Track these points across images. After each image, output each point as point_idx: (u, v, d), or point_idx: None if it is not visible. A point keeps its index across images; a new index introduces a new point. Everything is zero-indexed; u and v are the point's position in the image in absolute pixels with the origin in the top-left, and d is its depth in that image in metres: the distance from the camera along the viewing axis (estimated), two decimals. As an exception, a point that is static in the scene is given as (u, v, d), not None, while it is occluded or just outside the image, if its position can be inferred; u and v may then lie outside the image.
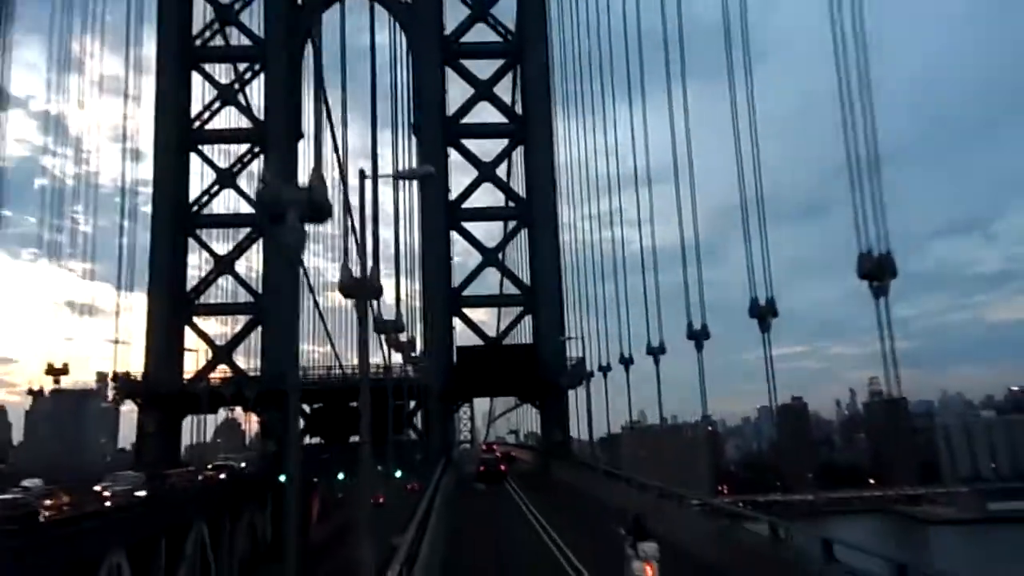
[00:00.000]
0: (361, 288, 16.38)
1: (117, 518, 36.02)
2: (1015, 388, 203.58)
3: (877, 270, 15.85)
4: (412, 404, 67.32)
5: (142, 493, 39.84)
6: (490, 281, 73.32)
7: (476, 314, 71.68)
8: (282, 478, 62.24)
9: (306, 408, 70.52)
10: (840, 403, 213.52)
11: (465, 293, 70.19)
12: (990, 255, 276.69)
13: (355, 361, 70.86)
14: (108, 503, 36.40)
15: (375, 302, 36.96)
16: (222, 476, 55.49)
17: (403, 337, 52.51)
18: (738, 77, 24.71)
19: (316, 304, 76.64)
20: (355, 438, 65.68)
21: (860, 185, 16.77)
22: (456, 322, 69.89)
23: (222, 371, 70.43)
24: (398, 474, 62.70)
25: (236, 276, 71.55)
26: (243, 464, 64.99)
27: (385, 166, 68.27)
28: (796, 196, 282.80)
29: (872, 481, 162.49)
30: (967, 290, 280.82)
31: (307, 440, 71.06)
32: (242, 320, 71.58)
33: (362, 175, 18.59)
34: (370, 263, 17.98)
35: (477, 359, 65.24)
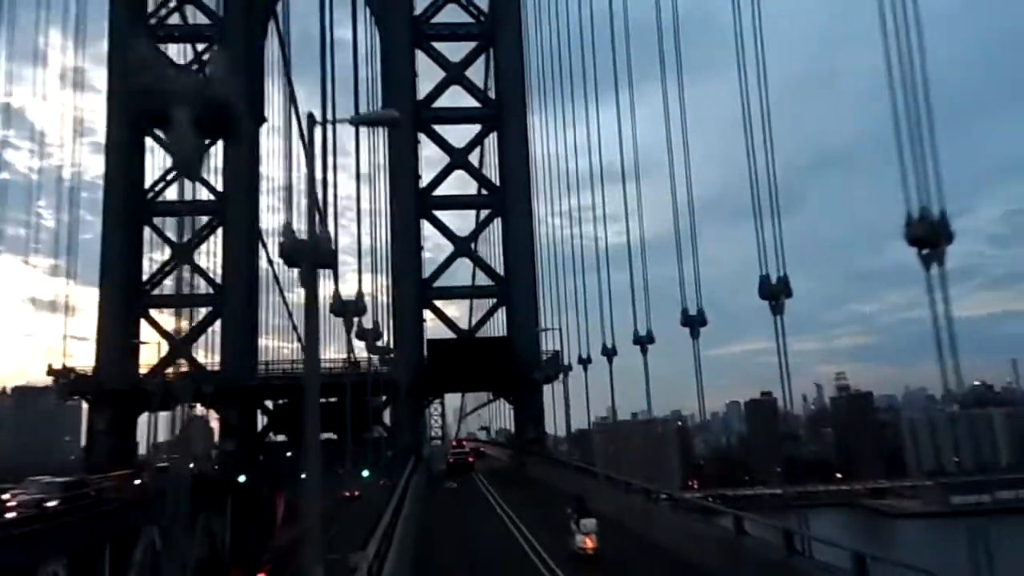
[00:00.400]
0: (307, 251, 12.71)
1: (58, 523, 32.80)
2: (977, 383, 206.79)
3: (930, 234, 13.46)
4: (383, 399, 64.08)
5: (54, 503, 34.33)
6: (462, 273, 70.48)
7: (448, 307, 68.77)
8: (242, 479, 58.60)
9: (269, 405, 66.99)
10: (807, 398, 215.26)
11: (436, 284, 67.09)
12: (955, 251, 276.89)
13: (324, 356, 67.67)
14: (12, 514, 32.09)
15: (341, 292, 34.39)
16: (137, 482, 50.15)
17: (367, 323, 49.35)
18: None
19: (283, 298, 72.96)
20: (325, 436, 62.31)
21: (910, 139, 14.36)
22: (427, 315, 66.78)
23: (181, 366, 66.53)
24: (365, 474, 59.48)
25: (195, 266, 67.58)
26: (191, 465, 61.17)
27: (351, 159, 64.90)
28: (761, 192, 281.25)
29: (839, 475, 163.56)
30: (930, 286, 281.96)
31: (271, 438, 67.54)
32: (202, 313, 67.77)
33: (311, 120, 15.47)
34: (318, 222, 14.68)
35: (449, 352, 62.18)
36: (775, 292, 19.93)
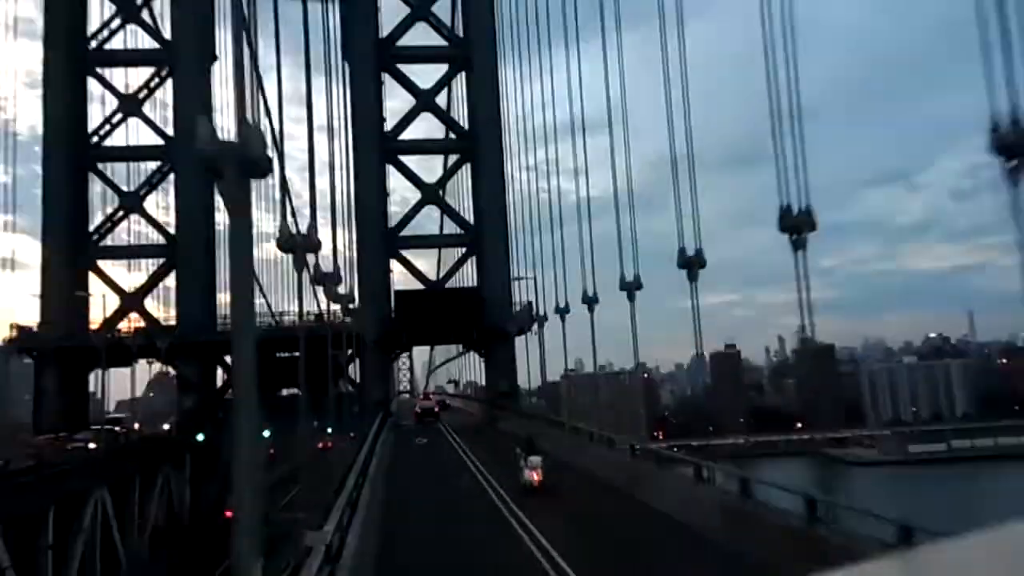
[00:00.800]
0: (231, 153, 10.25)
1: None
2: (932, 335, 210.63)
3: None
4: (349, 353, 61.14)
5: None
6: (429, 224, 67.31)
7: (416, 259, 65.53)
8: (200, 437, 55.46)
9: (228, 360, 63.53)
10: (769, 350, 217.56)
11: (403, 233, 63.80)
12: (913, 205, 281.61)
13: (285, 309, 64.36)
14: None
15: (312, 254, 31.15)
16: (92, 446, 46.62)
17: (341, 289, 46.90)
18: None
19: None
20: (288, 391, 58.89)
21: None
22: (394, 266, 63.67)
23: (133, 321, 62.84)
24: (329, 431, 56.78)
25: (146, 215, 63.57)
26: (136, 425, 57.88)
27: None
28: (729, 146, 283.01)
29: (799, 425, 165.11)
30: (890, 239, 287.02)
31: (230, 394, 64.22)
32: (155, 265, 63.87)
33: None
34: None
35: (417, 304, 59.22)
36: (798, 224, 17.51)
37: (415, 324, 59.18)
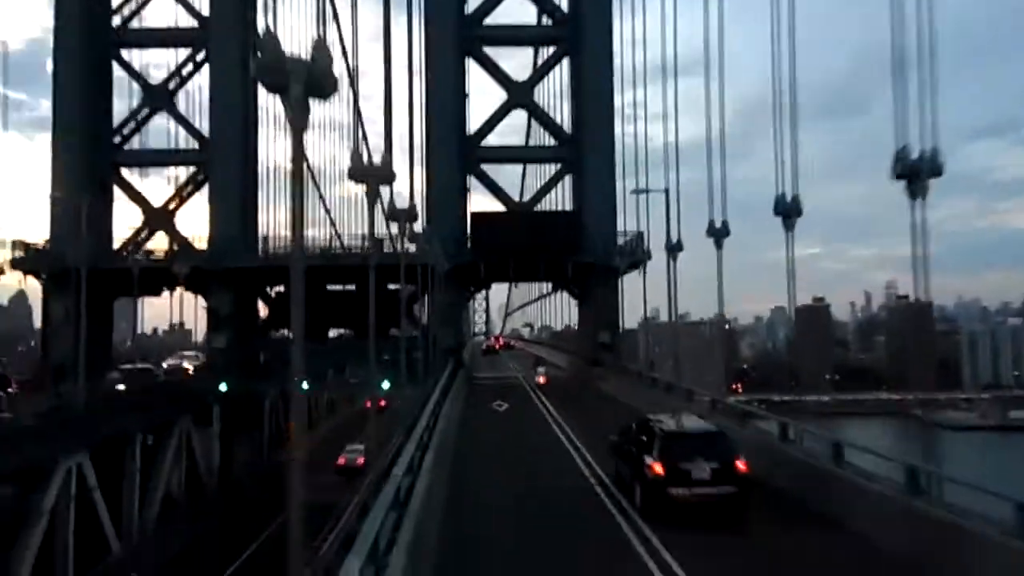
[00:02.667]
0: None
1: None
2: None
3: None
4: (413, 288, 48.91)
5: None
6: (515, 130, 53.46)
7: (497, 177, 51.87)
8: (223, 387, 43.84)
9: (272, 292, 51.80)
10: (855, 305, 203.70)
11: (485, 143, 50.30)
12: (1020, 160, 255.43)
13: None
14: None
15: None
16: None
17: (401, 200, 35.02)
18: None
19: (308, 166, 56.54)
20: (337, 331, 46.61)
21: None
22: (471, 183, 50.36)
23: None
24: (386, 385, 44.68)
25: (176, 115, 51.51)
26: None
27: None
28: (821, 95, 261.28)
29: (888, 385, 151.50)
30: (993, 195, 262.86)
31: (272, 333, 52.59)
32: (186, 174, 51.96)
33: None
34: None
35: (499, 229, 46.00)
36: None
37: (496, 254, 46.12)
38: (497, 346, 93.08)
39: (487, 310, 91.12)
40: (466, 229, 47.69)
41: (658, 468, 14.43)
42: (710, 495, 14.21)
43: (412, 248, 43.35)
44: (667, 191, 32.80)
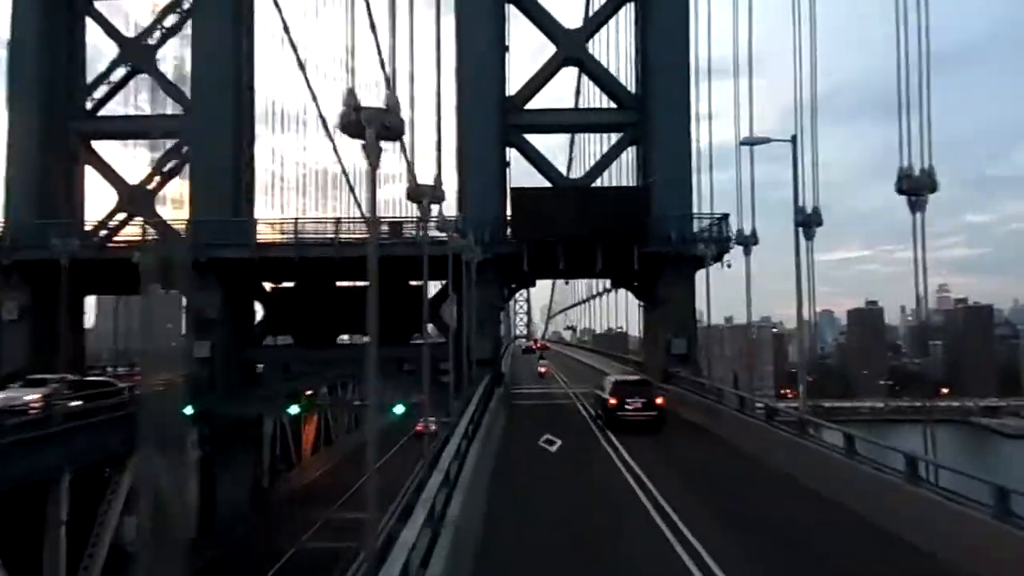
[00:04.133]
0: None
1: None
2: None
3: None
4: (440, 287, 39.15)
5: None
6: (559, 98, 43.07)
7: (543, 148, 41.40)
8: (189, 411, 33.98)
9: (267, 287, 41.97)
10: (905, 309, 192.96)
11: (529, 106, 40.09)
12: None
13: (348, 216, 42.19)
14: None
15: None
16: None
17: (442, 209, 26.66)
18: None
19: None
20: (345, 337, 37.27)
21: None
22: (511, 155, 40.21)
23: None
24: (399, 410, 34.92)
25: (158, 75, 42.01)
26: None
27: None
28: (868, 91, 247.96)
29: (945, 391, 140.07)
30: None
31: (270, 340, 42.83)
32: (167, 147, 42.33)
33: None
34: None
35: (546, 210, 35.59)
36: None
37: (542, 241, 35.96)
38: (535, 346, 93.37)
39: (528, 312, 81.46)
40: (505, 212, 37.57)
41: (613, 401, 27.83)
42: (639, 416, 27.19)
43: (440, 236, 33.68)
44: (794, 139, 22.85)
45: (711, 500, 16.92)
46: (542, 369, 58.12)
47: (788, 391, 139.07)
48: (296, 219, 38.75)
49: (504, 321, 79.93)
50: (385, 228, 37.86)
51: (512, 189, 37.19)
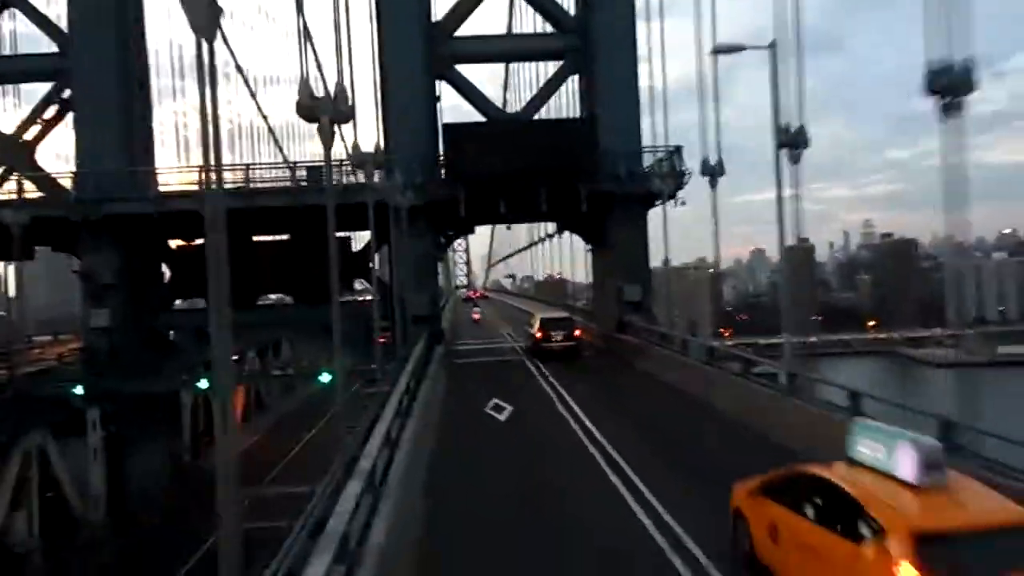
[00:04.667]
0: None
1: None
2: (1007, 231, 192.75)
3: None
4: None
5: None
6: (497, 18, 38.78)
7: (476, 77, 37.21)
8: (78, 390, 29.50)
9: (175, 245, 37.10)
10: (833, 246, 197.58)
11: (459, 33, 35.78)
12: (997, 94, 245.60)
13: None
14: None
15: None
16: None
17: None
18: None
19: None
20: (270, 297, 33.32)
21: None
22: (441, 89, 35.96)
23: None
24: (324, 378, 31.10)
25: (27, 7, 36.05)
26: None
27: None
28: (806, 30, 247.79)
29: (872, 323, 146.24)
30: (971, 129, 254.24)
31: (179, 303, 38.15)
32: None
33: None
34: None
35: (484, 147, 31.67)
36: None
37: (480, 182, 32.18)
38: (474, 295, 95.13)
39: (468, 262, 77.26)
40: (438, 152, 33.55)
41: (539, 334, 32.00)
42: (561, 346, 31.27)
43: (363, 180, 29.55)
44: (773, 45, 19.65)
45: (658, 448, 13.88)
46: (476, 316, 61.03)
47: (727, 331, 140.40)
48: (200, 167, 33.80)
49: (444, 272, 76.20)
50: (302, 173, 33.51)
51: (445, 125, 33.08)
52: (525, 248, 70.33)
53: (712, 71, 24.12)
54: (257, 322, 35.34)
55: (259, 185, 33.54)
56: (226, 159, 40.03)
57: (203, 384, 30.72)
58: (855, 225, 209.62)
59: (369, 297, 38.98)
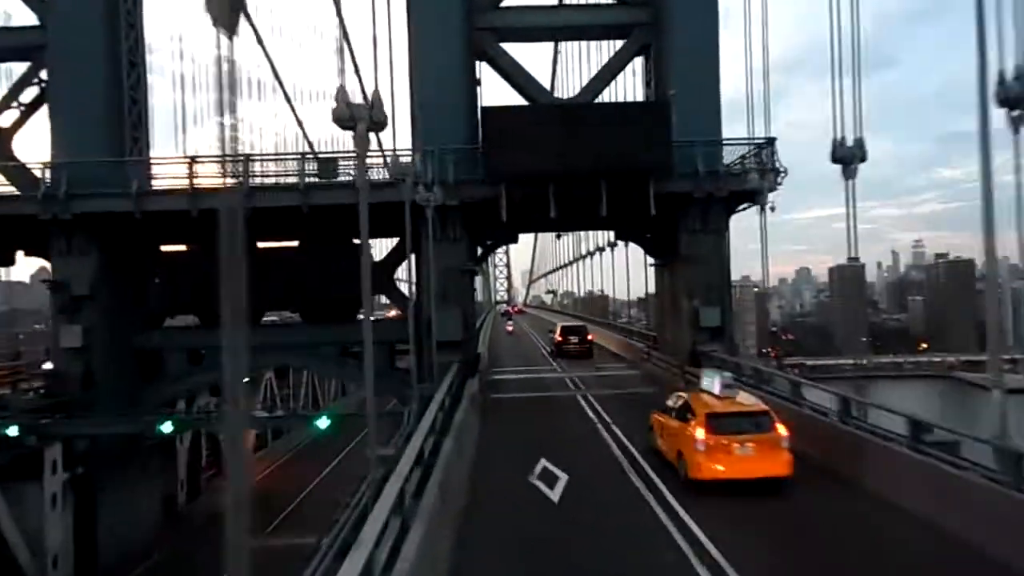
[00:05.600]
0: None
1: None
2: None
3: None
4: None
5: None
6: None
7: (525, 54, 30.76)
8: (13, 431, 23.17)
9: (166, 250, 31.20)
10: (882, 265, 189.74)
11: (505, 4, 29.53)
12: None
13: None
14: None
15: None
16: None
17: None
18: None
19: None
20: (273, 316, 27.48)
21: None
22: (482, 70, 29.74)
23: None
24: (322, 424, 24.99)
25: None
26: None
27: None
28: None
29: (924, 346, 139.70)
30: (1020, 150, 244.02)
31: (170, 321, 32.15)
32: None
33: None
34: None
35: (530, 138, 25.35)
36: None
37: (525, 176, 25.85)
38: (513, 311, 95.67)
39: (508, 277, 70.52)
40: (477, 143, 27.24)
41: (559, 338, 40.52)
42: (577, 348, 39.05)
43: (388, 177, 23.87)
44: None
45: None
46: (509, 327, 64.64)
47: (773, 351, 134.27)
48: (191, 158, 27.82)
49: (483, 286, 70.30)
50: (313, 168, 27.42)
51: (484, 110, 26.72)
52: (572, 263, 63.86)
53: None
54: (261, 344, 29.25)
55: (265, 180, 27.47)
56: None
57: (166, 427, 24.54)
58: (904, 245, 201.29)
59: (394, 313, 32.85)
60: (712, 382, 15.53)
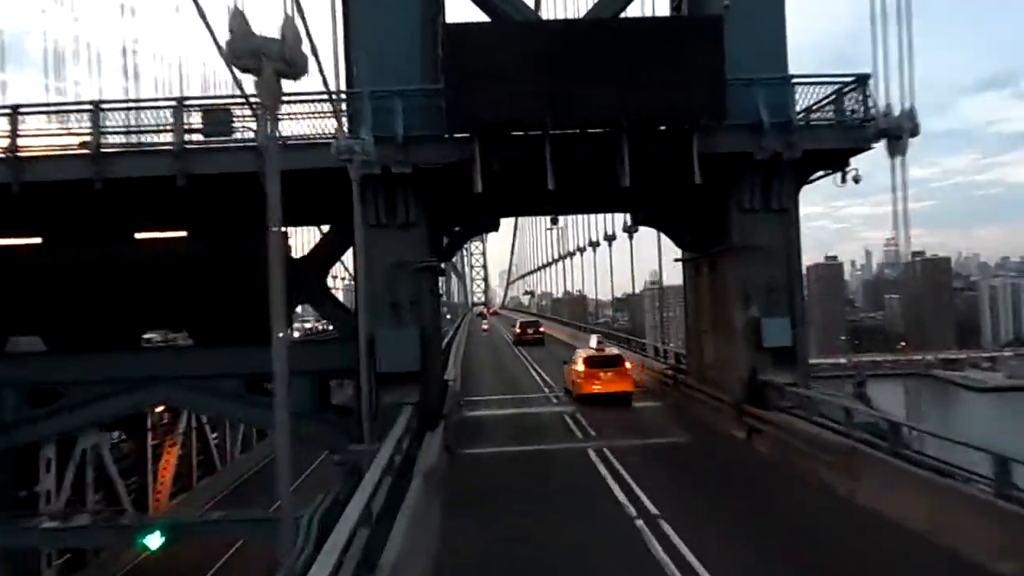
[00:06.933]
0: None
1: None
2: None
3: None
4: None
5: None
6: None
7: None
8: None
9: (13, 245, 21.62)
10: (855, 263, 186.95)
11: None
12: (1020, 113, 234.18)
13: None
14: None
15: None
16: None
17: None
18: None
19: None
20: (152, 335, 17.19)
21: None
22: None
23: None
24: (153, 541, 14.72)
25: None
26: None
27: None
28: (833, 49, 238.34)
29: (902, 344, 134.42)
30: (991, 149, 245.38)
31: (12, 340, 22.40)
32: None
33: None
34: None
35: (519, 68, 16.48)
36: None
37: (508, 126, 16.91)
38: (487, 313, 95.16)
39: (485, 278, 61.55)
40: (437, 84, 18.11)
41: (517, 330, 52.11)
42: (532, 338, 49.46)
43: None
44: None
45: None
46: (484, 327, 65.02)
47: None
48: (13, 107, 18.21)
49: (461, 284, 61.80)
50: (197, 119, 18.09)
51: (448, 28, 17.67)
52: (566, 256, 55.15)
53: None
54: (132, 375, 19.84)
55: (117, 140, 18.00)
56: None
57: None
58: (876, 243, 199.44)
59: (321, 326, 23.78)
60: (590, 339, 29.26)
